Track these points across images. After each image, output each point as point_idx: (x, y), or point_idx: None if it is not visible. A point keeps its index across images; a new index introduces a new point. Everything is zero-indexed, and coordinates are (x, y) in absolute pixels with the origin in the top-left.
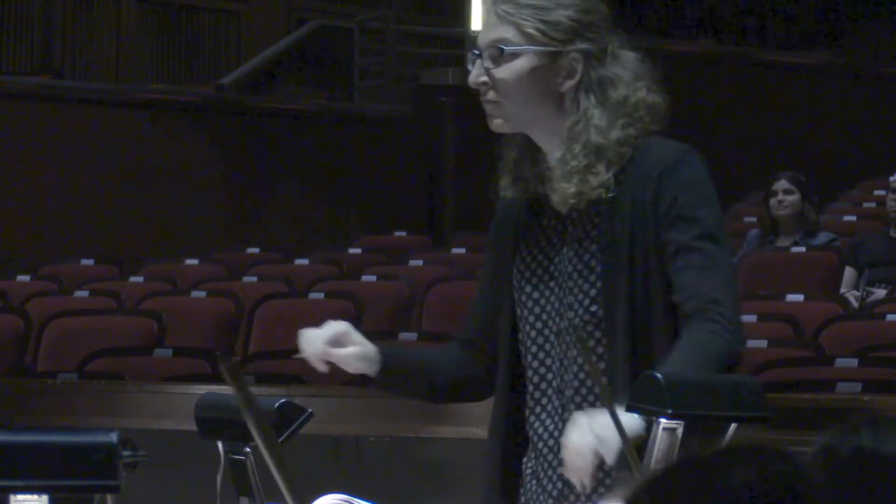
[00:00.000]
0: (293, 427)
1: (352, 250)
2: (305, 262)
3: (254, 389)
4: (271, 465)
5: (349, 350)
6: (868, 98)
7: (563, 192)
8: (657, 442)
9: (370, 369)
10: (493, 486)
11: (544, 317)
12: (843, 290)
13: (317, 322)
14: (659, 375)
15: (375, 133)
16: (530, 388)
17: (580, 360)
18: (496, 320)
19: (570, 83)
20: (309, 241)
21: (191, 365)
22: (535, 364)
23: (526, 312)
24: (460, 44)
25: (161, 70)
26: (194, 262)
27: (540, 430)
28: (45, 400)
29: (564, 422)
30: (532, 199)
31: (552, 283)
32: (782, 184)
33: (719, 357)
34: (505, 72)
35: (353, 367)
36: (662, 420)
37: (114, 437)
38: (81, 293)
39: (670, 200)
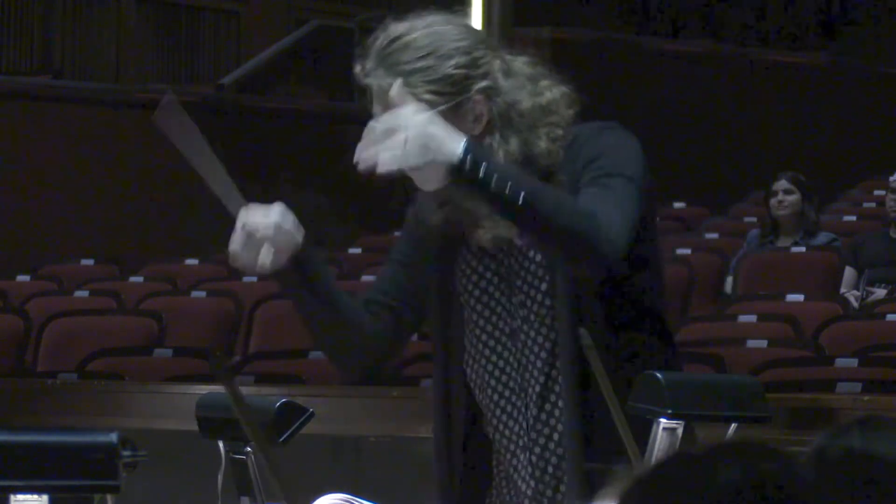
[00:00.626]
0: (293, 427)
1: (352, 250)
2: None
3: (254, 389)
4: (265, 465)
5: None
6: (868, 98)
7: (480, 237)
8: (657, 442)
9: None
10: (450, 490)
11: (494, 318)
12: (843, 290)
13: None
14: (659, 375)
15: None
16: (487, 390)
17: (542, 355)
18: (416, 299)
19: (479, 125)
20: (309, 241)
21: (191, 365)
22: (490, 367)
23: (475, 316)
24: None
25: (161, 70)
26: (194, 262)
27: (506, 431)
28: (45, 400)
29: (530, 420)
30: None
31: (501, 284)
32: (782, 184)
33: (578, 213)
34: (417, 176)
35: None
36: (662, 420)
37: (114, 437)
38: (81, 293)
39: (587, 161)
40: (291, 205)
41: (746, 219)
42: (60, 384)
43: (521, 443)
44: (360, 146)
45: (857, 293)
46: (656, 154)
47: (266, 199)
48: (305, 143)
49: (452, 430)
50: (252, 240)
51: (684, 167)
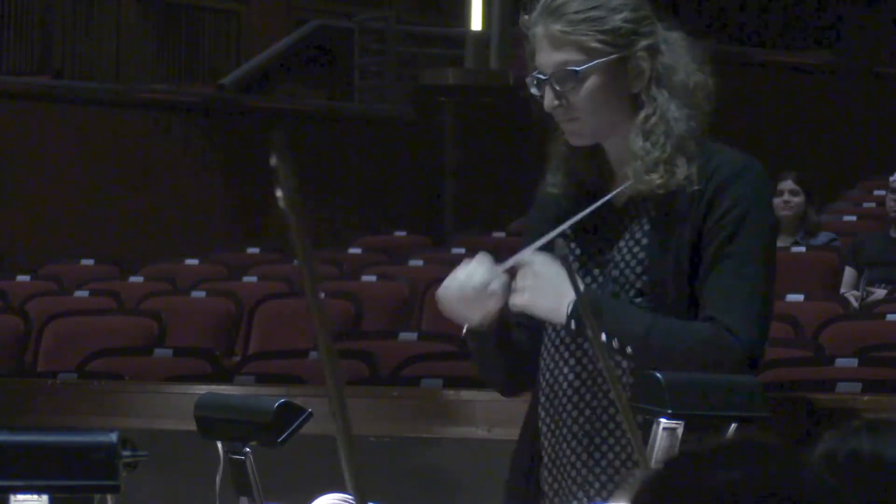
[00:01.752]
0: (293, 427)
1: (352, 250)
2: None
3: (254, 389)
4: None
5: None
6: (868, 98)
7: (649, 183)
8: (657, 442)
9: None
10: (515, 497)
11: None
12: (843, 290)
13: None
14: (659, 375)
15: (375, 133)
16: (544, 385)
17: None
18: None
19: (640, 83)
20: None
21: (191, 365)
22: (557, 358)
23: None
24: (460, 44)
25: (161, 70)
26: (194, 262)
27: (549, 435)
28: (45, 400)
29: (570, 423)
30: (584, 193)
31: (596, 272)
32: (788, 184)
33: (696, 343)
34: (578, 92)
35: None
36: (662, 420)
37: (114, 437)
38: (81, 293)
39: (721, 213)
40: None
41: None
42: (60, 384)
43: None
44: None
45: (857, 293)
46: None
47: (266, 198)
48: (305, 143)
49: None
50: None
51: None
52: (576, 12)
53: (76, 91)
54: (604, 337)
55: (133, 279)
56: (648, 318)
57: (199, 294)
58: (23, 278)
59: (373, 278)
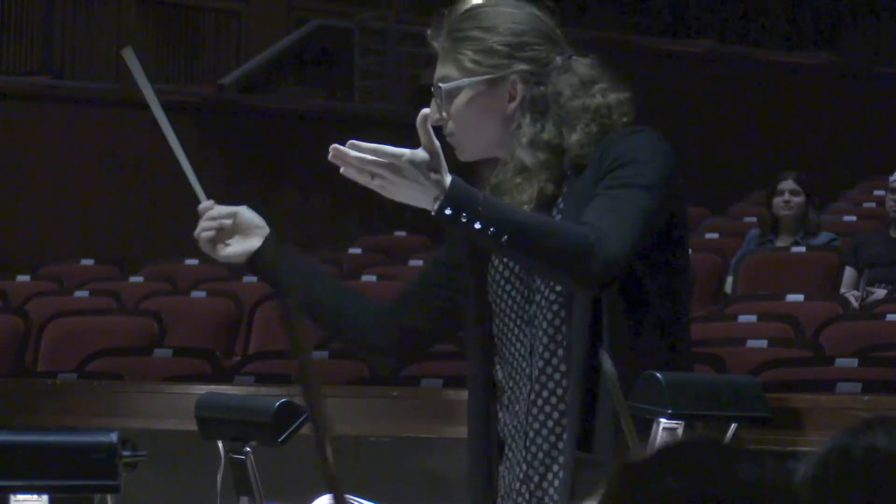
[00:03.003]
0: (293, 427)
1: (352, 250)
2: None
3: (254, 389)
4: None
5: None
6: (868, 98)
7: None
8: (657, 442)
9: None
10: (477, 493)
11: (515, 307)
12: (843, 290)
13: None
14: (659, 375)
15: (375, 133)
16: (502, 377)
17: (544, 340)
18: (453, 302)
19: (513, 105)
20: (309, 241)
21: (191, 365)
22: (507, 354)
23: (503, 305)
24: None
25: (161, 70)
26: (194, 262)
27: (510, 427)
28: (45, 400)
29: (533, 410)
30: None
31: (519, 272)
32: (789, 184)
33: (568, 242)
34: (453, 107)
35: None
36: (662, 420)
37: (114, 437)
38: (81, 293)
39: (610, 162)
40: (292, 209)
41: (746, 219)
42: (60, 384)
43: (519, 426)
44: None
45: (857, 293)
46: None
47: (266, 198)
48: (305, 143)
49: (491, 441)
50: (212, 221)
51: (684, 167)
52: (460, 30)
53: (76, 91)
54: (478, 225)
55: (133, 279)
56: (525, 212)
57: (199, 294)
58: (23, 278)
59: (373, 278)
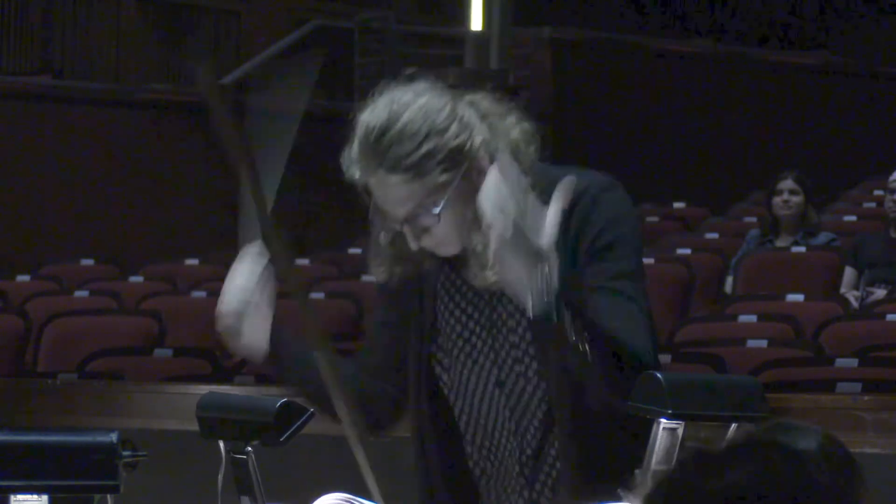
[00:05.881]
0: (294, 427)
1: (352, 250)
2: (305, 262)
3: (253, 389)
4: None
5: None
6: (868, 98)
7: (485, 280)
8: (657, 442)
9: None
10: None
11: (477, 368)
12: (843, 290)
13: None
14: (659, 376)
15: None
16: (478, 447)
17: (540, 406)
18: (399, 370)
19: (482, 178)
20: (309, 241)
21: (191, 365)
22: (482, 421)
23: (460, 366)
24: (460, 44)
25: (161, 70)
26: (194, 262)
27: (498, 472)
28: (45, 400)
29: (525, 462)
30: (413, 277)
31: (483, 333)
32: (788, 183)
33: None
34: (441, 224)
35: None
36: (662, 420)
37: (114, 437)
38: (81, 293)
39: (593, 232)
40: (292, 209)
41: (746, 219)
42: (60, 384)
43: (516, 485)
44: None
45: (857, 293)
46: (656, 154)
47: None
48: (305, 143)
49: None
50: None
51: (684, 167)
52: (408, 155)
53: (76, 91)
54: (568, 319)
55: (133, 279)
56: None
57: (199, 294)
58: (23, 278)
59: (373, 278)
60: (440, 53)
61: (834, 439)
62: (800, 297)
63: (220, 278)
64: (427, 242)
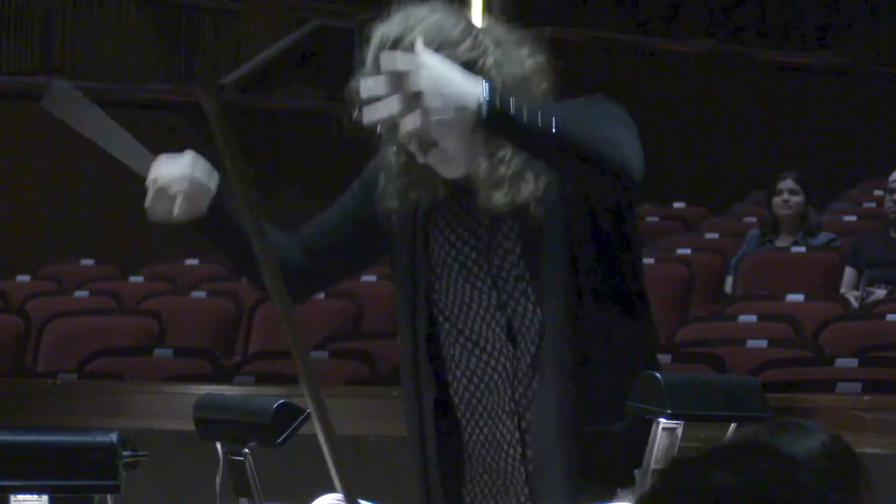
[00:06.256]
0: (292, 427)
1: None
2: None
3: (253, 389)
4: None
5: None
6: (868, 98)
7: (496, 202)
8: (657, 442)
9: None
10: (426, 484)
11: (484, 298)
12: (843, 290)
13: (318, 322)
14: (659, 375)
15: (375, 133)
16: (463, 380)
17: (534, 325)
18: (326, 254)
19: None
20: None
21: (191, 365)
22: (466, 355)
23: (458, 290)
24: None
25: (161, 70)
26: (194, 262)
27: (490, 401)
28: (45, 400)
29: (518, 388)
30: (411, 206)
31: (479, 258)
32: (788, 183)
33: (601, 137)
34: (450, 139)
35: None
36: (662, 420)
37: (114, 437)
38: (81, 293)
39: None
40: (292, 209)
41: (746, 219)
42: (60, 384)
43: (508, 409)
44: (368, 108)
45: (857, 293)
46: (656, 154)
47: (265, 198)
48: (305, 143)
49: (424, 420)
50: (164, 194)
51: (684, 167)
52: None
53: None
54: (526, 116)
55: (133, 279)
56: (556, 106)
57: (199, 294)
58: (23, 278)
59: (373, 278)
60: None
61: (840, 441)
62: (800, 297)
63: (220, 278)
64: (434, 158)
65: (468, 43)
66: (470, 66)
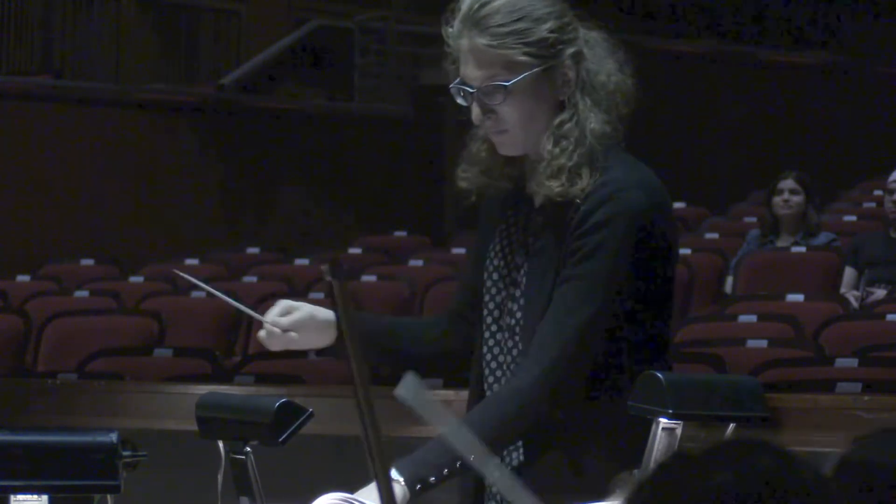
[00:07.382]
0: (293, 427)
1: (352, 250)
2: (305, 262)
3: (254, 389)
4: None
5: (296, 316)
6: (868, 98)
7: (549, 189)
8: (657, 442)
9: (329, 337)
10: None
11: (496, 312)
12: (843, 290)
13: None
14: (659, 375)
15: (375, 133)
16: (490, 379)
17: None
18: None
19: (567, 90)
20: (309, 241)
21: (191, 365)
22: (489, 357)
23: (490, 303)
24: None
25: (161, 70)
26: (194, 262)
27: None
28: (45, 400)
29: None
30: (508, 191)
31: (516, 272)
32: (788, 183)
33: (511, 416)
34: (507, 106)
35: (310, 341)
36: (662, 420)
37: (114, 437)
38: (81, 293)
39: (578, 231)
40: (292, 209)
41: (746, 219)
42: (60, 384)
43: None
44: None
45: (857, 293)
46: (657, 154)
47: (265, 198)
48: (305, 143)
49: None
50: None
51: (684, 167)
52: (500, 25)
53: (76, 91)
54: (446, 471)
55: (133, 279)
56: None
57: (199, 294)
58: (23, 278)
59: (373, 278)
60: (440, 53)
61: None
62: (800, 297)
63: (220, 278)
64: (491, 125)
65: (552, 24)
66: (546, 45)
